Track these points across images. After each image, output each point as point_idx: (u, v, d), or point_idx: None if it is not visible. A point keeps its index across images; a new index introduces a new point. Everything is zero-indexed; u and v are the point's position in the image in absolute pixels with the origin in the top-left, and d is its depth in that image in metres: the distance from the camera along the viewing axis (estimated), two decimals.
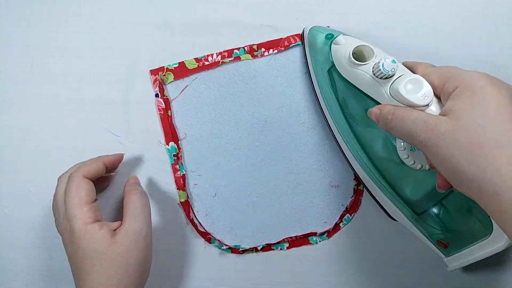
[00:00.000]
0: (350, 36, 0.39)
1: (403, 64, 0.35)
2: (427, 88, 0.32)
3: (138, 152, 0.44)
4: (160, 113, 0.43)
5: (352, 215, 0.43)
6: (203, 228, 0.43)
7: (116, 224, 0.37)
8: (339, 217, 0.44)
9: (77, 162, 0.44)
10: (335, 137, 0.42)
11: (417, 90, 0.32)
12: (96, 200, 0.37)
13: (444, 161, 0.29)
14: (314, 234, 0.44)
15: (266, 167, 0.44)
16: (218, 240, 0.43)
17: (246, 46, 0.44)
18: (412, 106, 0.32)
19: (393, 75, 0.33)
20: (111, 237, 0.35)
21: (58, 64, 0.45)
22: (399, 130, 0.32)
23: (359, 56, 0.37)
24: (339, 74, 0.38)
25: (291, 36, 0.44)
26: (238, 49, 0.44)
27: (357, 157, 0.40)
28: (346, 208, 0.43)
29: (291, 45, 0.44)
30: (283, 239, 0.43)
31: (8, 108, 0.45)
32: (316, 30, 0.41)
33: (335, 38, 0.39)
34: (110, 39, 0.45)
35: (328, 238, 0.44)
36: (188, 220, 0.43)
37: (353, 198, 0.43)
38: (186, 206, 0.43)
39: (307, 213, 0.44)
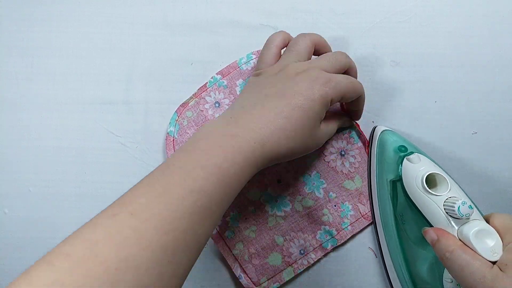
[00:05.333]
0: (424, 156, 0.38)
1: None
2: (498, 244, 0.31)
3: (138, 152, 0.44)
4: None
5: None
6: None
7: None
8: None
9: (77, 162, 0.44)
10: (379, 242, 0.42)
11: (488, 243, 0.31)
12: None
13: None
14: None
15: None
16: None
17: None
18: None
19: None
20: None
21: (58, 64, 0.45)
22: (454, 273, 0.31)
23: (429, 181, 0.35)
24: (404, 190, 0.37)
25: None
26: None
27: (399, 274, 0.39)
28: None
29: None
30: None
31: (8, 108, 0.45)
32: (388, 136, 0.40)
33: (408, 153, 0.38)
34: (110, 39, 0.45)
35: None
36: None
37: None
38: None
39: None
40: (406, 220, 0.39)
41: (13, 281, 0.24)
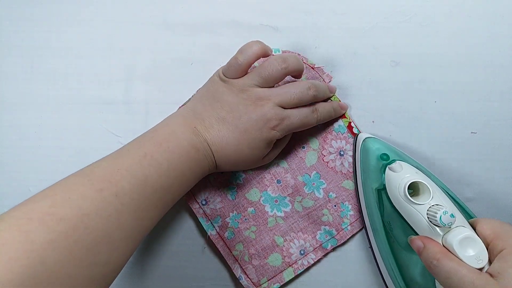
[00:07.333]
0: (406, 163, 0.37)
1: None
2: (482, 251, 0.31)
3: None
4: None
5: None
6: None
7: None
8: None
9: (77, 162, 0.44)
10: (372, 248, 0.42)
11: (472, 251, 0.31)
12: None
13: None
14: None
15: None
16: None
17: None
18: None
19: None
20: None
21: (58, 64, 0.45)
22: (441, 280, 0.31)
23: (413, 187, 0.35)
24: (389, 199, 0.37)
25: None
26: None
27: (392, 278, 0.39)
28: None
29: None
30: None
31: (8, 108, 0.45)
32: (370, 144, 0.40)
33: (390, 162, 0.37)
34: (110, 39, 0.45)
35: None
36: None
37: None
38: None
39: None
40: (394, 228, 0.38)
41: (9, 236, 0.26)
